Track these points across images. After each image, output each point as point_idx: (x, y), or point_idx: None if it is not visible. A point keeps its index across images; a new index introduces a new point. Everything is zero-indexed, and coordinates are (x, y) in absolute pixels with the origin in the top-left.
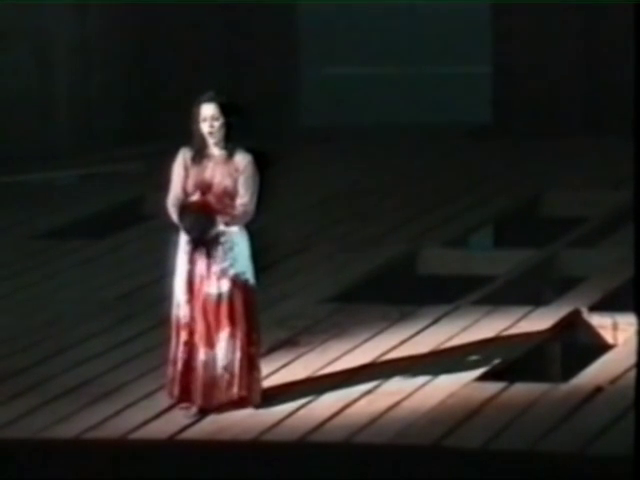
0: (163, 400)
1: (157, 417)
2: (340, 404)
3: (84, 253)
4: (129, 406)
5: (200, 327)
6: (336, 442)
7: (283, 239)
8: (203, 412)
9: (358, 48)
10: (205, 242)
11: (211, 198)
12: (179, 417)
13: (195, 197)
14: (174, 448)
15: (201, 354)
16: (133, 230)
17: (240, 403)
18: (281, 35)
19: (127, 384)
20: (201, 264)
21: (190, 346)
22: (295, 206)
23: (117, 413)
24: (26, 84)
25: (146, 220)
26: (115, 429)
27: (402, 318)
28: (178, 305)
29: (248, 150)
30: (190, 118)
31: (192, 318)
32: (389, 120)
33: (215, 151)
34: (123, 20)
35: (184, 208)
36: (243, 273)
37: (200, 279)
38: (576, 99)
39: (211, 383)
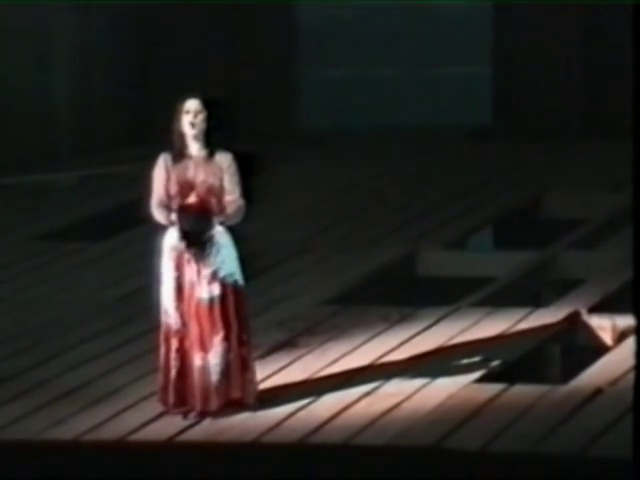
0: None
1: (156, 419)
2: (340, 406)
3: (84, 255)
4: (128, 408)
5: (194, 332)
6: (336, 444)
7: (283, 240)
8: (202, 416)
9: (358, 50)
10: (200, 243)
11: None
12: (178, 419)
13: (192, 198)
14: (173, 450)
15: (197, 359)
16: (133, 232)
17: (235, 405)
18: (281, 37)
19: (126, 386)
20: (190, 269)
21: (182, 353)
22: (294, 207)
23: (116, 415)
24: (26, 85)
25: (145, 222)
26: (114, 431)
27: (402, 319)
28: (166, 312)
29: (235, 153)
30: (172, 117)
31: (183, 324)
32: (389, 122)
33: (194, 150)
34: (123, 21)
35: (183, 209)
36: (231, 274)
37: (190, 285)
38: (576, 100)
39: (209, 387)
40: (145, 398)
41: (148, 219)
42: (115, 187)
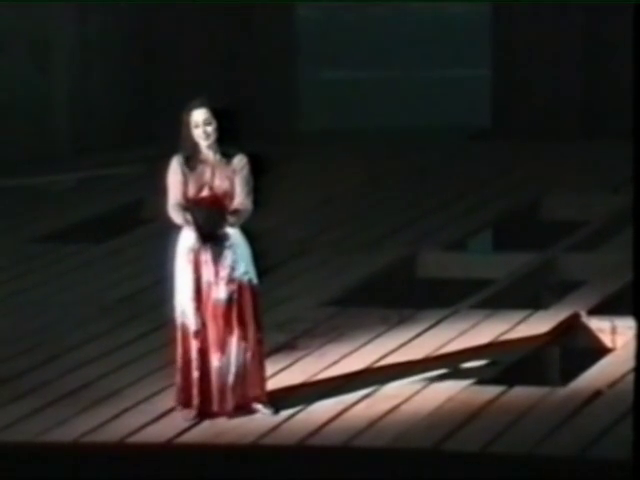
0: (162, 403)
1: (156, 420)
2: (339, 408)
3: (84, 256)
4: (128, 409)
5: (212, 333)
6: (335, 446)
7: (282, 242)
8: (215, 416)
9: (357, 52)
10: (215, 238)
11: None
12: (178, 420)
13: (205, 192)
14: (172, 452)
15: (214, 360)
16: (133, 233)
17: (253, 402)
18: (280, 39)
19: (126, 387)
20: (207, 271)
21: (203, 354)
22: (294, 209)
23: (116, 416)
24: (25, 86)
25: (146, 223)
26: (114, 432)
27: (401, 322)
28: (185, 313)
29: (244, 154)
30: (181, 124)
31: (203, 325)
32: (388, 124)
33: (209, 155)
34: (123, 21)
35: (196, 204)
36: (246, 273)
37: (208, 286)
38: (576, 102)
39: (225, 388)
40: (145, 399)
41: (163, 218)
42: (115, 189)
